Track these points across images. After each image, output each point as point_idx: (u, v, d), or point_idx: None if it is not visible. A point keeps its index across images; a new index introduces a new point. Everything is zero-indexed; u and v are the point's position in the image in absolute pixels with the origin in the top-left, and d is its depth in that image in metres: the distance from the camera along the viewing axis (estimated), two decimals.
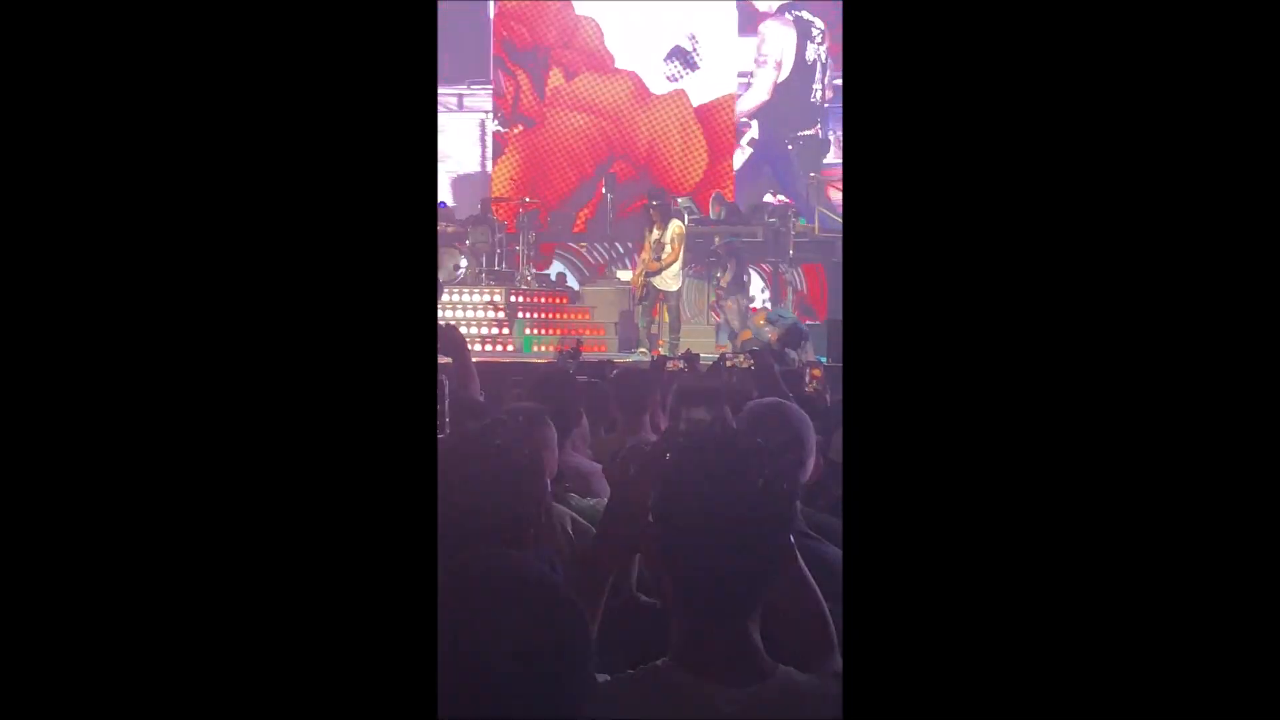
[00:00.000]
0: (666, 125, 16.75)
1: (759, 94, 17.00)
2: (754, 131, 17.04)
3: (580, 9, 16.82)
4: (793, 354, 9.93)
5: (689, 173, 16.59)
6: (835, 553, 2.47)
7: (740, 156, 17.02)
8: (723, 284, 13.00)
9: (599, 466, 3.69)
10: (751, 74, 16.93)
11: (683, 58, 16.75)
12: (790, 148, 16.62)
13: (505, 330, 12.35)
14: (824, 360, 10.19)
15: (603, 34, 16.79)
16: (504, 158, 16.86)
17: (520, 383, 5.59)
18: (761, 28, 16.90)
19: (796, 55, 16.79)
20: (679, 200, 14.21)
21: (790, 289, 13.49)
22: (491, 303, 12.55)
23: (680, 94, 16.78)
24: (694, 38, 16.65)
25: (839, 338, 10.40)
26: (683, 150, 16.73)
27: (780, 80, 16.82)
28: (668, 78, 16.78)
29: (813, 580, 1.65)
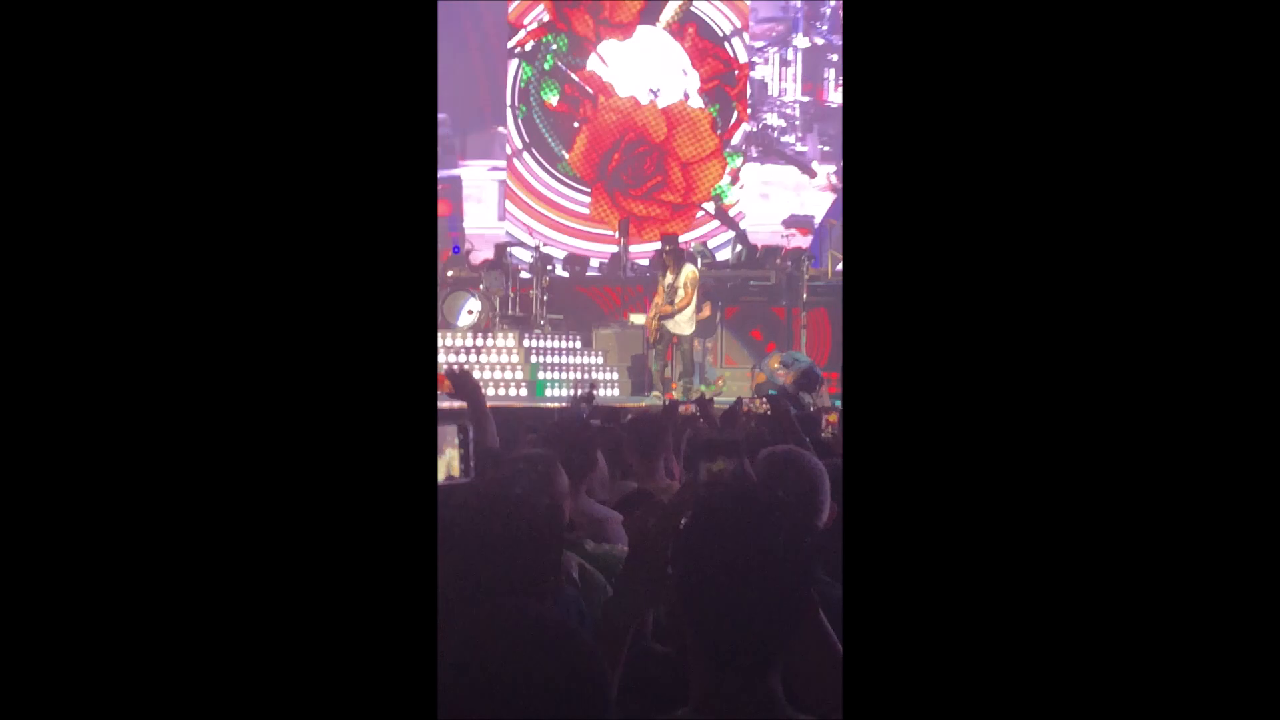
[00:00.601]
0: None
1: None
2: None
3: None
4: (808, 398, 9.92)
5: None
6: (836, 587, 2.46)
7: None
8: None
9: (614, 513, 3.69)
10: None
11: None
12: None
13: (519, 374, 12.38)
14: (838, 404, 10.17)
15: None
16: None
17: (534, 428, 5.60)
18: None
19: None
20: (692, 245, 14.27)
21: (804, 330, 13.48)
22: (504, 347, 12.59)
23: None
24: None
25: None
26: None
27: None
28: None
29: (832, 631, 1.64)
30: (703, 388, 11.34)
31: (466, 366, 10.76)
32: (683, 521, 1.55)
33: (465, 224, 17.79)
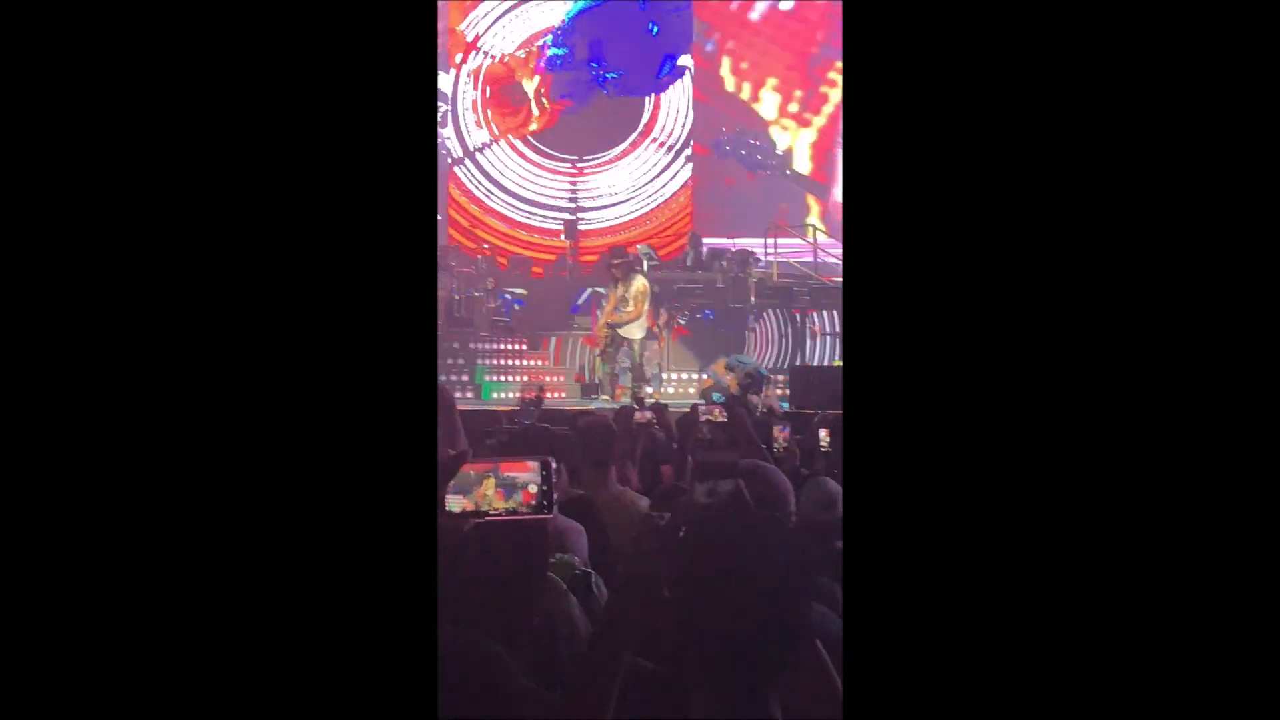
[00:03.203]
0: None
1: None
2: None
3: None
4: (755, 400, 9.97)
5: None
6: (835, 620, 2.49)
7: None
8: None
9: (575, 524, 3.69)
10: None
11: None
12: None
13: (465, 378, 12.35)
14: (786, 406, 10.24)
15: None
16: None
17: (492, 432, 5.57)
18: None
19: None
20: (638, 247, 14.26)
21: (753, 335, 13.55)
22: (449, 349, 12.54)
23: None
24: None
25: (801, 385, 10.46)
26: None
27: None
28: None
29: (826, 656, 1.67)
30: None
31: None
32: (683, 542, 1.56)
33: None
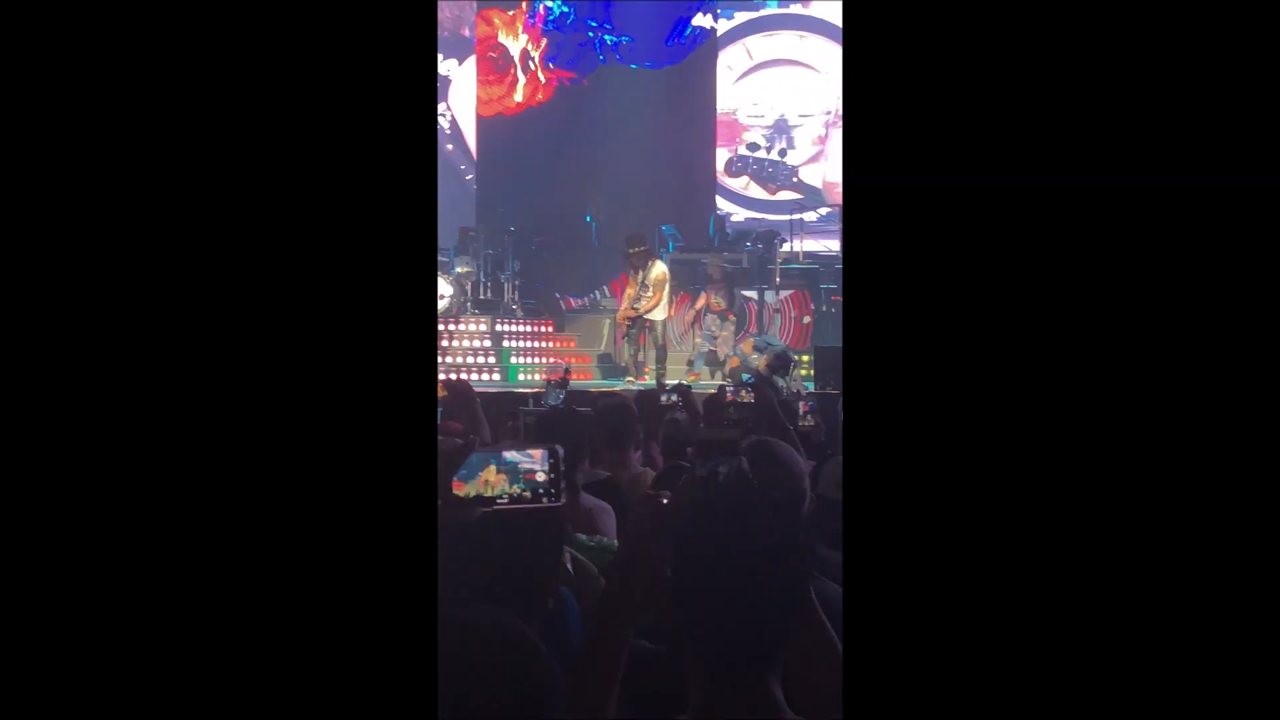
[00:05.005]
0: None
1: None
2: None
3: None
4: (781, 381, 9.96)
5: None
6: (836, 590, 2.47)
7: None
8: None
9: (604, 504, 3.68)
10: None
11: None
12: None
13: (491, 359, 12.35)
14: (811, 387, 10.20)
15: None
16: None
17: (513, 413, 5.58)
18: None
19: None
20: (662, 228, 14.19)
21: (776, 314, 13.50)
22: (477, 332, 12.54)
23: None
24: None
25: (826, 366, 10.42)
26: None
27: None
28: None
29: (832, 632, 1.65)
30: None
31: (458, 374, 10.76)
32: (681, 521, 1.54)
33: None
